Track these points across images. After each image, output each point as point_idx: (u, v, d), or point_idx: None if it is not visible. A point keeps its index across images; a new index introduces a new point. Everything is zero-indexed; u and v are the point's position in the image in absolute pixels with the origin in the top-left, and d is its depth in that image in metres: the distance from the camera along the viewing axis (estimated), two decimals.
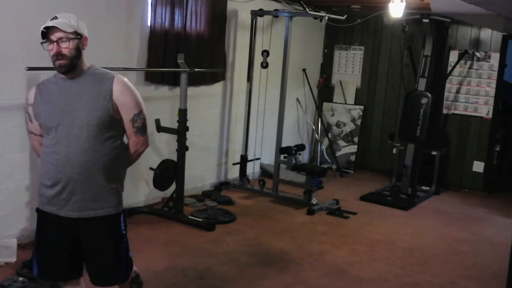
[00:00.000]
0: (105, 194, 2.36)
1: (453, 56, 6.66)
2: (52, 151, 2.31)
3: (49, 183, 2.34)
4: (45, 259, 2.44)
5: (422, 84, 6.32)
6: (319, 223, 5.13)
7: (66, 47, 2.25)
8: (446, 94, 6.78)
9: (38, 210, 2.43)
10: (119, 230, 2.45)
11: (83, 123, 2.28)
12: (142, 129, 2.45)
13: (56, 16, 2.27)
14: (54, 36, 2.23)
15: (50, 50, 2.25)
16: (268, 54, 5.92)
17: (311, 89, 7.35)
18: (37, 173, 2.58)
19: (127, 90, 2.38)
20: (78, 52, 2.30)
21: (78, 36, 2.30)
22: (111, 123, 2.34)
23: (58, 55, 2.24)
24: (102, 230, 2.41)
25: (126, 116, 2.38)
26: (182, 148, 4.76)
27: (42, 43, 2.28)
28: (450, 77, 6.66)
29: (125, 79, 2.41)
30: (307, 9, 5.71)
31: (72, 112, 2.28)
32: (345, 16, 6.12)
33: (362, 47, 7.44)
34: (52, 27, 2.23)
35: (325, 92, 7.72)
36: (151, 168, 4.78)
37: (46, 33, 2.26)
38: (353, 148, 7.46)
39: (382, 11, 6.36)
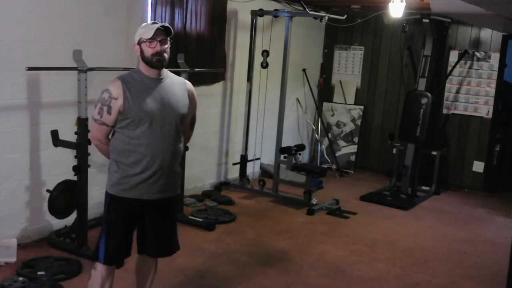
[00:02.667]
0: (178, 178, 2.82)
1: (453, 56, 6.66)
2: (146, 142, 2.61)
3: (138, 171, 2.63)
4: (116, 243, 2.72)
5: (422, 84, 6.33)
6: (319, 223, 5.13)
7: (166, 48, 2.65)
8: (446, 94, 6.78)
9: (114, 197, 2.68)
10: (178, 206, 3.01)
11: (172, 119, 2.67)
12: (194, 125, 3.01)
13: (156, 22, 2.70)
14: (158, 37, 2.61)
15: (153, 48, 2.60)
16: (268, 54, 5.92)
17: (311, 89, 7.35)
18: (106, 164, 2.77)
19: (194, 92, 2.88)
20: (169, 54, 2.68)
21: (171, 41, 2.71)
22: (184, 119, 2.77)
23: (160, 53, 2.61)
24: (171, 207, 2.84)
25: (191, 113, 2.86)
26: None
27: (147, 40, 2.60)
28: (450, 77, 6.67)
29: (191, 84, 2.90)
30: (307, 9, 5.70)
31: (162, 109, 2.64)
32: (345, 16, 6.12)
33: (362, 47, 7.44)
34: (161, 29, 2.60)
35: (325, 92, 7.71)
36: None
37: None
38: (353, 148, 7.46)
39: (382, 11, 6.35)
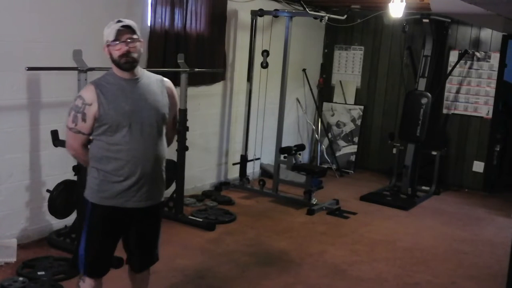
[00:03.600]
0: (162, 184, 2.69)
1: (453, 56, 6.66)
2: (127, 148, 2.47)
3: (120, 179, 2.49)
4: (97, 254, 2.59)
5: (422, 84, 6.33)
6: (319, 223, 5.13)
7: (134, 47, 2.47)
8: (446, 94, 6.78)
9: (95, 205, 2.54)
10: (161, 213, 2.83)
11: (152, 121, 2.53)
12: (177, 124, 2.88)
13: (120, 20, 2.49)
14: (123, 37, 2.45)
15: (119, 50, 2.44)
16: (268, 54, 5.92)
17: (311, 89, 7.35)
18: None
19: (174, 91, 2.74)
20: (140, 53, 2.53)
21: (140, 39, 2.53)
22: (166, 120, 2.63)
23: (127, 54, 2.45)
24: (155, 215, 2.71)
25: (172, 112, 2.71)
26: (182, 148, 4.76)
27: (111, 42, 2.45)
28: (450, 77, 6.67)
29: (170, 81, 2.74)
30: (307, 9, 5.70)
31: (141, 111, 2.50)
32: (345, 16, 6.12)
33: (362, 47, 7.44)
34: (123, 28, 2.45)
35: (325, 92, 7.72)
36: None
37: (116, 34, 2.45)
38: (353, 148, 7.45)
39: (382, 11, 6.35)
